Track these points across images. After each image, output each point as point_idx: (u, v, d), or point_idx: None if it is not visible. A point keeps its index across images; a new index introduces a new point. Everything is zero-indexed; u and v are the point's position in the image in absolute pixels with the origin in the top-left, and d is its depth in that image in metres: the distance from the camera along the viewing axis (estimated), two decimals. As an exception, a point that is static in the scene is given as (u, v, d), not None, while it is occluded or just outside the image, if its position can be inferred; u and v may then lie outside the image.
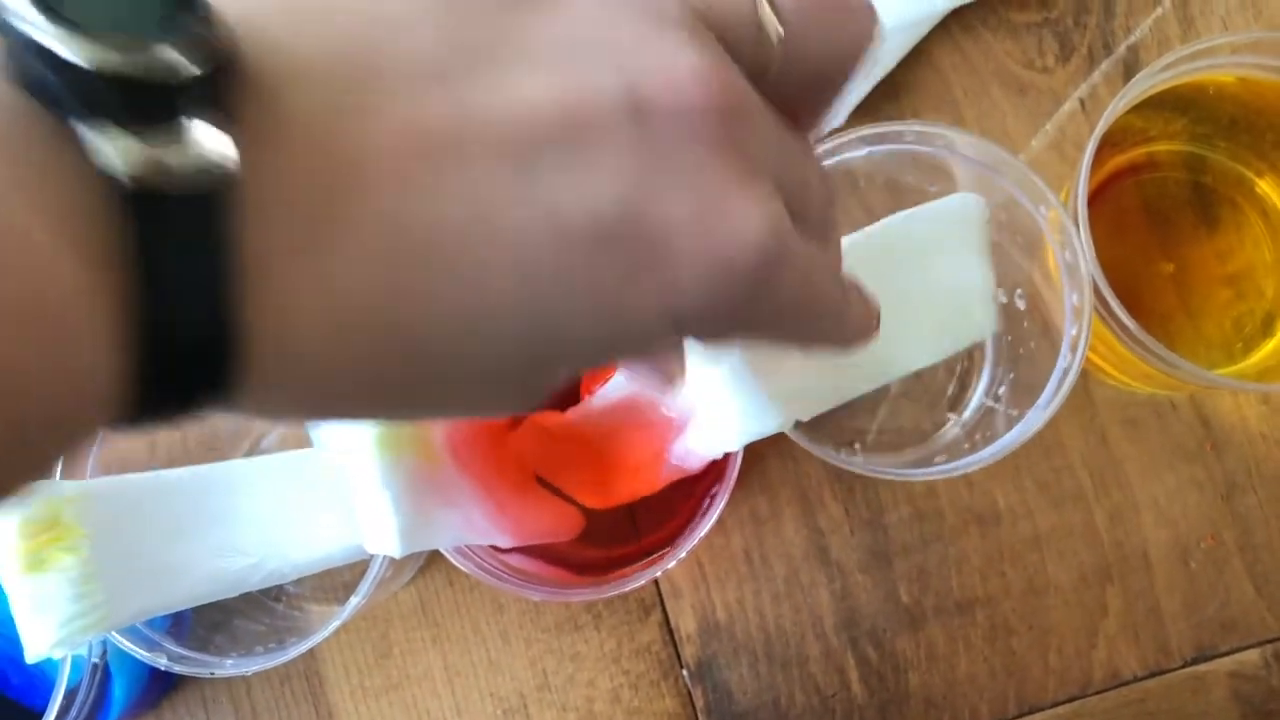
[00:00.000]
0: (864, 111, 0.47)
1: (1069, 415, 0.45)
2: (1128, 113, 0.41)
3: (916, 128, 0.38)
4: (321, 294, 0.16)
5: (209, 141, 0.15)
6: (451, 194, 0.17)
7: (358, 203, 0.16)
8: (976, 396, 0.45)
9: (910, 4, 0.46)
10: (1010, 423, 0.38)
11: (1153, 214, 0.44)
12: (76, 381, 0.14)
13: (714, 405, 0.35)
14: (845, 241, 0.36)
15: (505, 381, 0.19)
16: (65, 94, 0.14)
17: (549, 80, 0.18)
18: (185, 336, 0.15)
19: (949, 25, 0.47)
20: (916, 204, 0.36)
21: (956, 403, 0.45)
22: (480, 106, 0.17)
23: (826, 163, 0.39)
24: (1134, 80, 0.38)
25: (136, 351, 0.15)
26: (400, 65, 0.17)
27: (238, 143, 0.15)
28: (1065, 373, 0.36)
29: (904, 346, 0.38)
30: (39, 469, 0.15)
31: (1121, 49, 0.47)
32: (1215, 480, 0.44)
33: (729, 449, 0.36)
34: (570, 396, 0.41)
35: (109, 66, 0.14)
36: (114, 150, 0.14)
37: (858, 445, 0.45)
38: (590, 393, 0.41)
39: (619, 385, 0.39)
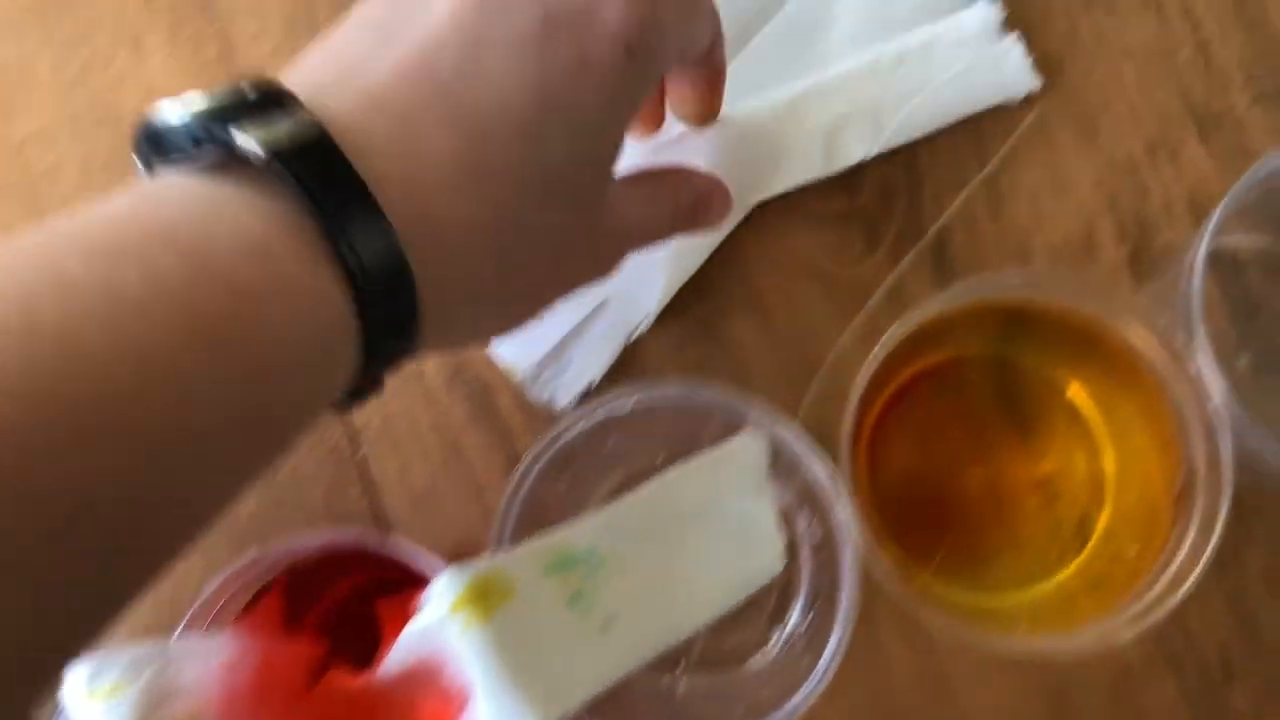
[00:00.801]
0: (673, 311, 0.45)
1: (892, 629, 0.43)
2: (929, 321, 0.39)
3: (676, 391, 0.37)
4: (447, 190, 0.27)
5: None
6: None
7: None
8: (797, 611, 0.44)
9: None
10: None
11: (963, 417, 0.43)
12: (335, 348, 0.25)
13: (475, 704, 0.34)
14: (627, 500, 0.35)
15: (572, 187, 0.30)
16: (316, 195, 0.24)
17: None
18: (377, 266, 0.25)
19: (754, 219, 0.46)
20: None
21: (778, 618, 0.44)
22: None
23: (592, 422, 0.38)
24: (901, 320, 0.36)
25: (354, 301, 0.25)
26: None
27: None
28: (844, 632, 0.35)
29: (693, 601, 0.37)
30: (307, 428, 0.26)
31: (930, 235, 0.45)
32: (1048, 686, 0.43)
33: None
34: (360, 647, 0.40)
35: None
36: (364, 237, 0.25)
37: (678, 670, 0.44)
38: (388, 647, 0.40)
39: (411, 647, 0.38)
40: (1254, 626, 0.43)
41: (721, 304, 0.46)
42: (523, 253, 0.29)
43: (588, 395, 0.45)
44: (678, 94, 0.40)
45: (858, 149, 0.45)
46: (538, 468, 0.36)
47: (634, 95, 0.31)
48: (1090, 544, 0.41)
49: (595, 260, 0.34)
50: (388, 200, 0.25)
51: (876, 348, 0.36)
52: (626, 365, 0.45)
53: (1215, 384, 0.33)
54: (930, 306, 0.35)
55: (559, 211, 0.30)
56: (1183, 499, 0.36)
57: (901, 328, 0.35)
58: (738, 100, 0.44)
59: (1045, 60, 0.46)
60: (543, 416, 0.45)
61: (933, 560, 0.42)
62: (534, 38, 0.28)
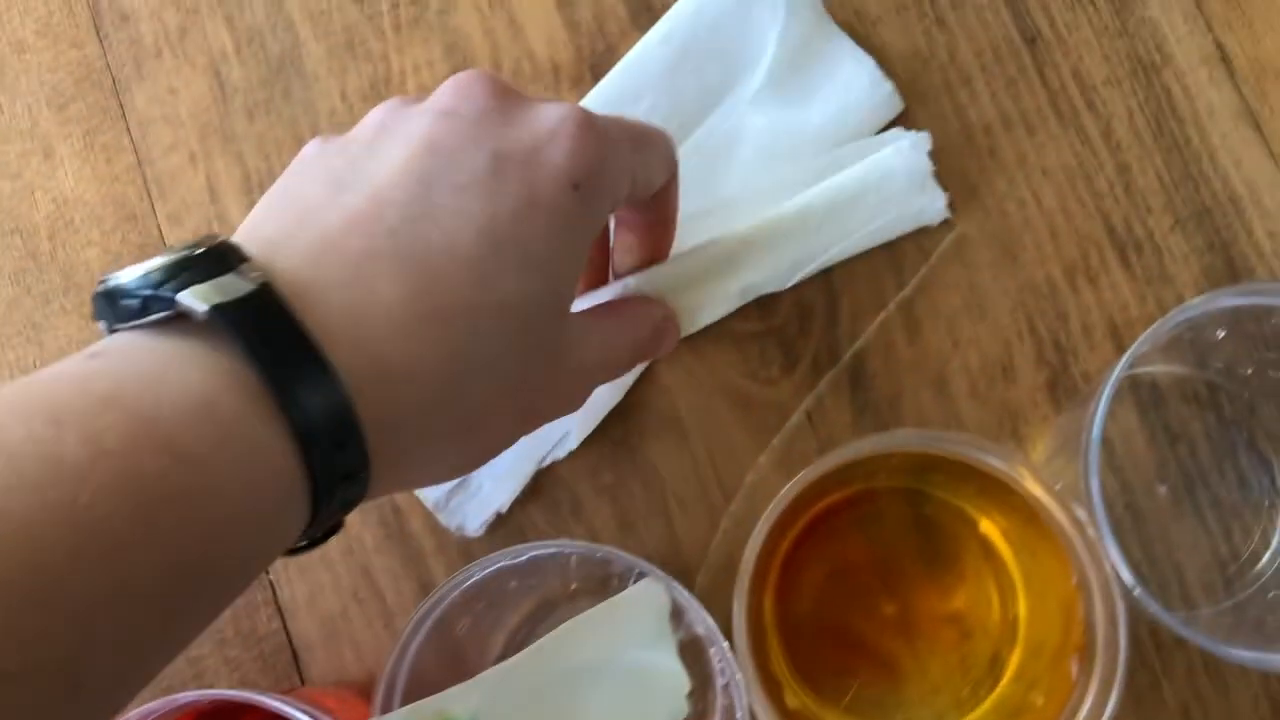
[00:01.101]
0: (592, 435, 0.45)
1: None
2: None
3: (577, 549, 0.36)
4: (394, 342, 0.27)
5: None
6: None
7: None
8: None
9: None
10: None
11: (874, 550, 0.43)
12: (284, 500, 0.25)
13: None
14: (519, 659, 0.35)
15: (525, 324, 0.30)
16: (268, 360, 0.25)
17: None
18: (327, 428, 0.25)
19: (671, 338, 0.45)
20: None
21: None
22: None
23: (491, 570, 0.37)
24: (797, 479, 0.36)
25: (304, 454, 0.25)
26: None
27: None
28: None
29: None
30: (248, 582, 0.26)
31: (847, 356, 0.45)
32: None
33: None
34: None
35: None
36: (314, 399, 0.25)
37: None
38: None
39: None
40: (1168, 762, 0.42)
41: (638, 424, 0.45)
42: (478, 393, 0.29)
43: (498, 520, 0.44)
44: (624, 242, 0.40)
45: (773, 283, 0.44)
46: (421, 633, 0.35)
47: (583, 231, 0.31)
48: (1002, 683, 0.41)
49: (557, 396, 0.34)
50: (336, 348, 0.25)
51: (774, 500, 0.35)
52: (539, 488, 0.45)
53: (1114, 552, 0.33)
54: (829, 461, 0.35)
55: (515, 349, 0.30)
56: (1086, 653, 0.36)
57: (795, 487, 0.35)
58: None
59: (964, 180, 0.46)
60: (455, 541, 0.45)
61: (844, 697, 0.41)
62: (483, 178, 0.28)
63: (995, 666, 0.41)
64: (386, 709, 0.35)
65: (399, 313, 0.27)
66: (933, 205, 0.45)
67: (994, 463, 0.37)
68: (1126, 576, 0.33)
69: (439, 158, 0.29)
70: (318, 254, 0.27)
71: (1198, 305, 0.35)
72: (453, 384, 0.28)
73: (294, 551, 0.28)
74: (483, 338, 0.28)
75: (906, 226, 0.45)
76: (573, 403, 0.35)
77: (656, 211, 0.39)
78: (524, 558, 0.36)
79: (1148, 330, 0.35)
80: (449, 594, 0.36)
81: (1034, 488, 0.36)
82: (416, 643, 0.37)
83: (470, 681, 0.34)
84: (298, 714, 0.34)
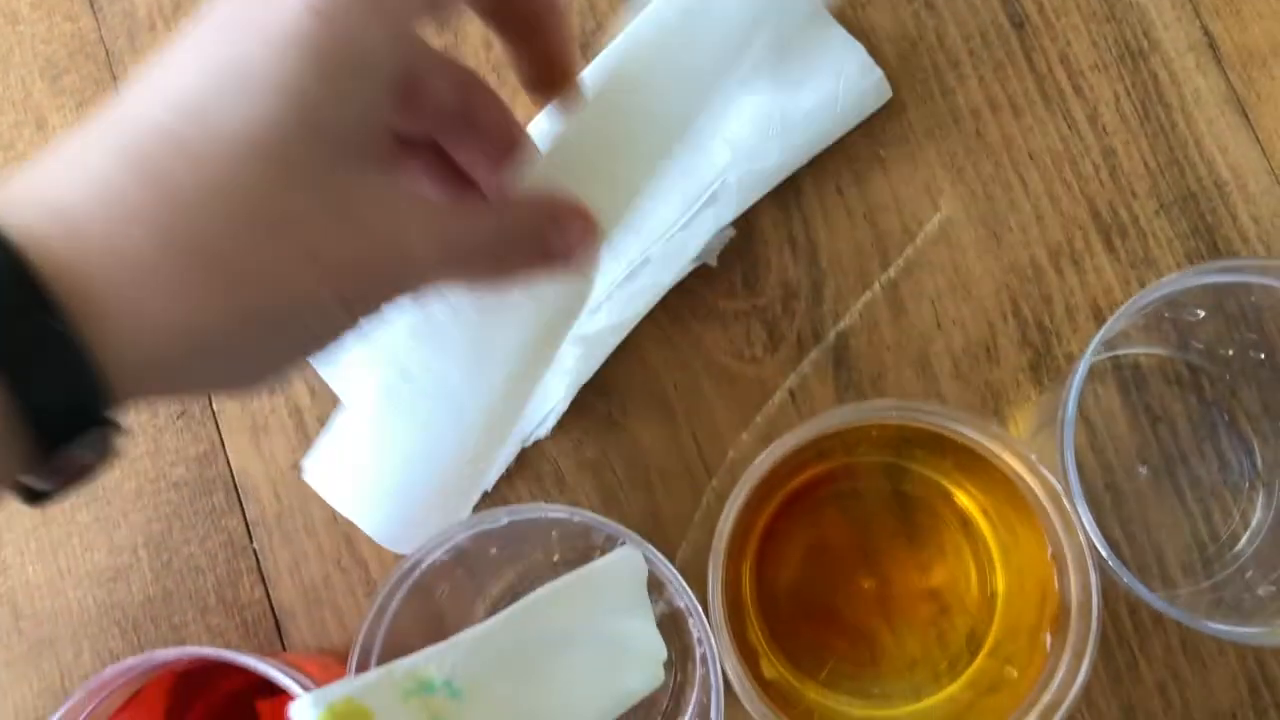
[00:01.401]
0: (573, 407, 0.45)
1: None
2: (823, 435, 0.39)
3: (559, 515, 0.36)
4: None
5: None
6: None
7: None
8: (689, 713, 0.43)
9: (620, 300, 0.45)
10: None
11: (853, 525, 0.43)
12: None
13: None
14: (495, 622, 0.35)
15: (264, 155, 0.24)
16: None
17: None
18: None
19: (657, 315, 0.46)
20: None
21: (672, 718, 0.44)
22: None
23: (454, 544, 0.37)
24: (779, 441, 0.36)
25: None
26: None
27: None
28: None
29: (569, 718, 0.37)
30: None
31: (831, 336, 0.45)
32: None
33: None
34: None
35: None
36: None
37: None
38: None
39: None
40: (1145, 741, 0.42)
41: (621, 400, 0.46)
42: (213, 228, 0.23)
43: (484, 497, 0.45)
44: (513, 54, 0.32)
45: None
46: (398, 596, 0.36)
47: (345, 41, 0.25)
48: (979, 657, 0.41)
49: (364, 265, 0.26)
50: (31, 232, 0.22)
51: (751, 467, 0.36)
52: (524, 464, 0.45)
53: (1087, 520, 0.33)
54: (807, 431, 0.35)
55: (248, 182, 0.24)
56: (1060, 625, 0.36)
57: (777, 451, 0.35)
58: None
59: (951, 162, 0.46)
60: (438, 512, 0.45)
61: (821, 671, 0.41)
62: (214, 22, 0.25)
63: (972, 641, 0.41)
64: (363, 669, 0.35)
65: (90, 158, 0.23)
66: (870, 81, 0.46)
67: (971, 434, 0.37)
68: (1100, 545, 0.33)
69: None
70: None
71: (1175, 281, 0.35)
72: (169, 220, 0.23)
73: (56, 481, 0.24)
74: (196, 166, 0.23)
75: (853, 114, 0.46)
76: (398, 283, 0.27)
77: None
78: (503, 521, 0.36)
79: (1125, 304, 0.35)
80: (427, 556, 0.36)
81: (1011, 459, 0.36)
82: (394, 605, 0.37)
83: (446, 643, 0.34)
84: (274, 672, 0.34)
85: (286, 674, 0.34)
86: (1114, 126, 0.46)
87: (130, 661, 0.35)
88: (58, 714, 0.36)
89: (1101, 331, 0.36)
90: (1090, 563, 0.33)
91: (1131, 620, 0.43)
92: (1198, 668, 0.42)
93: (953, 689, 0.41)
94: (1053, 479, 0.35)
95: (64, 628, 0.45)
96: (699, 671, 0.42)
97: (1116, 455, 0.44)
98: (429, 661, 0.34)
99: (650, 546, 0.35)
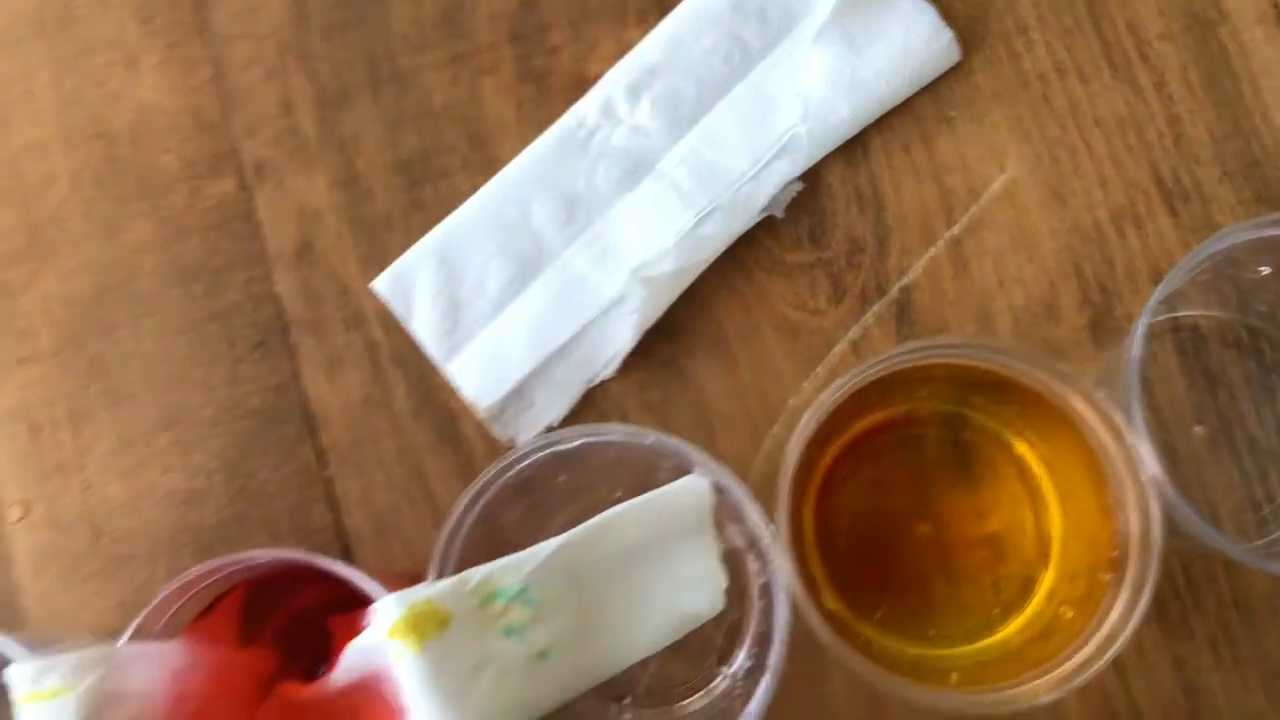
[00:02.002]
0: (637, 351, 0.46)
1: (839, 674, 0.44)
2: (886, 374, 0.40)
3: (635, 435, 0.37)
4: None
5: None
6: None
7: None
8: (744, 650, 0.44)
9: (687, 246, 0.46)
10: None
11: (912, 471, 0.44)
12: None
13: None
14: (566, 537, 0.36)
15: None
16: None
17: None
18: None
19: (722, 264, 0.47)
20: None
21: (726, 656, 0.45)
22: None
23: (533, 460, 0.39)
24: (845, 377, 0.37)
25: None
26: None
27: None
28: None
29: (630, 636, 0.38)
30: None
31: (895, 290, 0.46)
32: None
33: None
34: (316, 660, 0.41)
35: None
36: None
37: (626, 700, 0.45)
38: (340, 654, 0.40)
39: (355, 663, 0.39)
40: (1196, 693, 0.43)
41: (686, 346, 0.47)
42: None
43: (548, 430, 0.46)
44: None
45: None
46: (481, 503, 0.37)
47: None
48: (1033, 603, 0.42)
49: None
50: None
51: (819, 399, 0.37)
52: (588, 404, 0.46)
53: (1149, 457, 0.34)
54: (873, 367, 0.36)
55: None
56: (1118, 566, 0.37)
57: (846, 384, 0.36)
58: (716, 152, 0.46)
59: (1017, 124, 0.47)
60: (505, 448, 0.46)
61: (877, 611, 0.42)
62: None
63: (1028, 587, 0.42)
64: (443, 571, 0.36)
65: None
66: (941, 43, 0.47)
67: (1035, 373, 0.38)
68: (1162, 478, 0.33)
69: None
70: None
71: (1236, 231, 0.36)
72: None
73: None
74: None
75: (923, 75, 0.47)
76: None
77: None
78: (576, 442, 0.37)
79: (1188, 254, 0.36)
80: (500, 476, 0.37)
81: (1073, 398, 0.37)
82: (466, 526, 0.38)
83: (522, 553, 0.35)
84: (358, 578, 0.35)
85: (368, 582, 0.35)
86: (1180, 94, 0.47)
87: (216, 561, 0.36)
88: (142, 614, 0.37)
89: (1164, 282, 0.36)
90: (1151, 494, 0.34)
91: (1184, 576, 0.44)
92: (1249, 625, 0.43)
93: (1007, 632, 0.41)
94: (1116, 417, 0.35)
95: (141, 546, 0.46)
96: (758, 605, 0.43)
97: (1173, 415, 0.45)
98: (505, 570, 0.35)
99: (724, 470, 0.36)
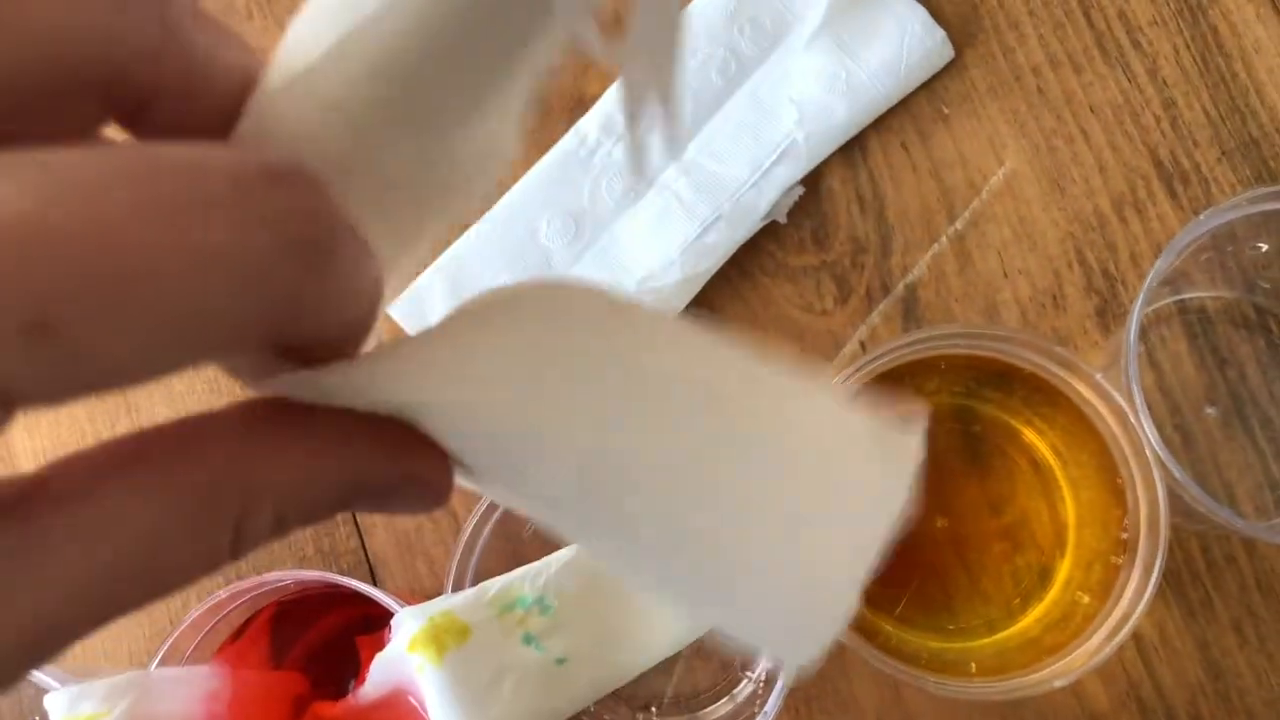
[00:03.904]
0: (650, 363, 0.47)
1: (861, 669, 0.44)
2: (894, 367, 0.41)
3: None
4: None
5: None
6: None
7: None
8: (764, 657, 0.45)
9: (692, 255, 0.47)
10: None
11: (924, 466, 0.44)
12: None
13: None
14: (576, 548, 0.37)
15: None
16: None
17: None
18: None
19: (727, 272, 0.47)
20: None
21: (749, 660, 0.45)
22: None
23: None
24: (854, 368, 0.38)
25: None
26: None
27: None
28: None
29: (644, 641, 0.38)
30: None
31: (900, 288, 0.47)
32: (1007, 735, 0.44)
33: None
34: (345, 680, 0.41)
35: None
36: None
37: (654, 709, 0.45)
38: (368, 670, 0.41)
39: (382, 677, 0.40)
40: (1221, 674, 0.43)
41: (697, 354, 0.47)
42: None
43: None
44: None
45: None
46: (496, 514, 0.38)
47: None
48: (1052, 590, 0.42)
49: None
50: None
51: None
52: (603, 413, 0.47)
53: (1152, 436, 0.34)
54: (877, 359, 0.37)
55: None
56: (1128, 548, 0.37)
57: (850, 377, 0.37)
58: (716, 159, 0.46)
59: (1014, 117, 0.47)
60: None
61: (896, 607, 0.42)
62: None
63: (1045, 576, 0.42)
64: (461, 584, 0.37)
65: None
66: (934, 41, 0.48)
67: (1038, 360, 0.38)
68: (1165, 457, 0.34)
69: None
70: None
71: (1231, 208, 0.36)
72: None
73: None
74: None
75: (917, 74, 0.47)
76: None
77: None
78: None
79: (1182, 230, 0.36)
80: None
81: (1078, 383, 0.37)
82: (482, 538, 0.39)
83: (538, 563, 0.36)
84: (381, 596, 0.36)
85: (391, 599, 0.36)
86: (1174, 79, 0.47)
87: (244, 583, 0.37)
88: (172, 636, 0.38)
89: (1160, 260, 0.37)
90: (1157, 476, 0.34)
91: (1204, 559, 0.44)
92: (1273, 605, 0.43)
93: (1027, 621, 0.42)
94: (1119, 399, 0.36)
95: (173, 575, 0.47)
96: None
97: (1184, 397, 0.45)
98: (522, 580, 0.36)
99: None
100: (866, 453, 0.17)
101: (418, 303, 0.47)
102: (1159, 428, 0.44)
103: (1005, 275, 0.46)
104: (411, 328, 0.47)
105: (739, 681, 0.45)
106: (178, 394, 0.48)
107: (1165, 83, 0.47)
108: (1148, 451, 0.34)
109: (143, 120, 0.15)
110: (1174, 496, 0.36)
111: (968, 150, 0.47)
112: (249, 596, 0.38)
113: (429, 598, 0.44)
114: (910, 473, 0.18)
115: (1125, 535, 0.37)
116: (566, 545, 0.38)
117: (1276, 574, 0.43)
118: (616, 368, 0.16)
